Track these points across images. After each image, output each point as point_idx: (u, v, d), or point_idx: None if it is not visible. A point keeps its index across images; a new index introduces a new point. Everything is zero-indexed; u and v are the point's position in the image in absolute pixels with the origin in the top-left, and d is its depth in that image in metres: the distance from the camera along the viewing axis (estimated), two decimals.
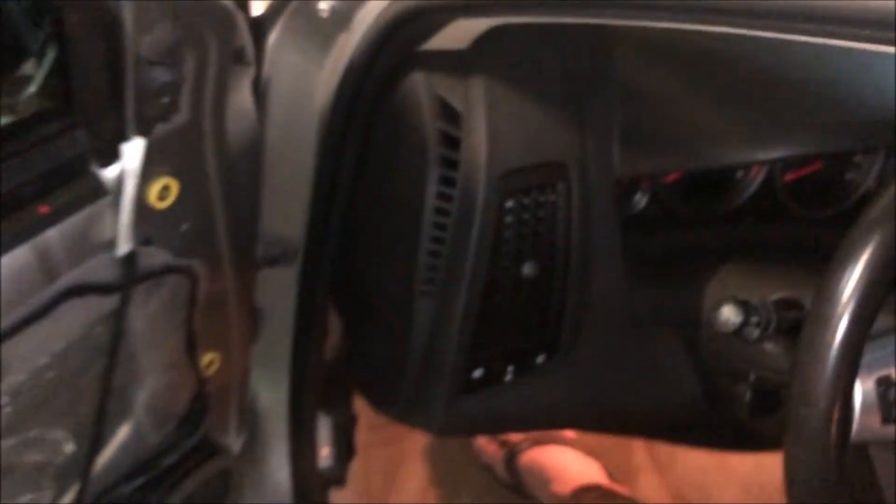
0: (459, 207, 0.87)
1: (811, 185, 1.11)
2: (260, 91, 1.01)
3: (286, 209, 1.13)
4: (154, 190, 0.81)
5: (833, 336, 0.64)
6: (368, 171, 0.98)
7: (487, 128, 0.84)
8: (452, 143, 0.86)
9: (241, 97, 0.91)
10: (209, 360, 1.06)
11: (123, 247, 0.77)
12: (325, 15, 0.93)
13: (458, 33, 0.86)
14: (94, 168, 0.74)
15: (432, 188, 0.87)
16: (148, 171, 0.79)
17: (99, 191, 0.74)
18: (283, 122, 1.04)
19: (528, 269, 0.90)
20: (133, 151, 0.73)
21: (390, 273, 0.99)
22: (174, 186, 0.83)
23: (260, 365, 1.30)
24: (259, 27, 0.98)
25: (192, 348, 0.99)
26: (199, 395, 1.04)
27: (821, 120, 0.96)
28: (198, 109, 0.81)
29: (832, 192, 1.12)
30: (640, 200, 1.03)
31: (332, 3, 0.92)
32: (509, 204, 0.86)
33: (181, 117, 0.80)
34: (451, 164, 0.86)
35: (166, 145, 0.80)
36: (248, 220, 1.02)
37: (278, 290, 1.22)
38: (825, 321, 0.65)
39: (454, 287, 0.89)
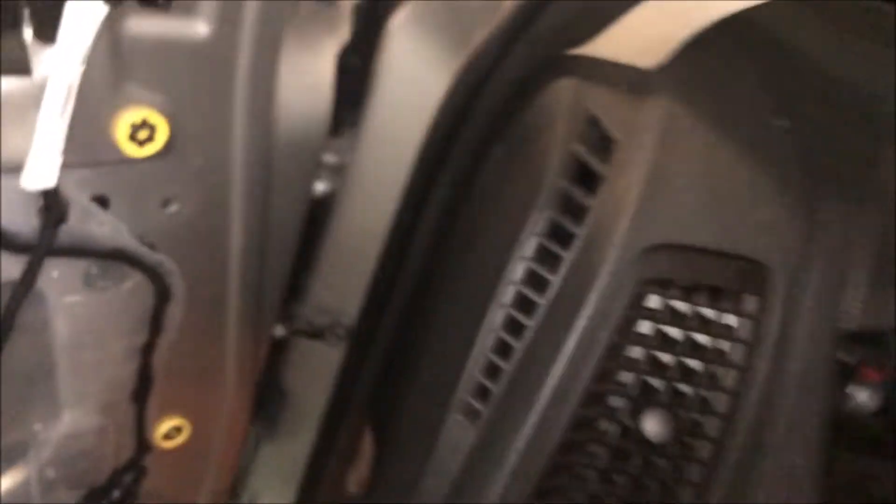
0: (567, 282, 0.52)
1: None
2: (364, 86, 0.74)
3: (348, 267, 0.83)
4: (124, 120, 0.53)
5: None
6: (458, 226, 0.67)
7: (651, 170, 0.50)
8: (588, 181, 0.53)
9: (316, 62, 0.64)
10: (171, 426, 0.75)
11: (33, 179, 0.49)
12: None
13: (647, 38, 0.55)
14: (25, 32, 0.47)
15: (532, 241, 0.54)
16: (119, 85, 0.52)
17: (17, 64, 0.47)
18: (381, 138, 0.76)
19: (652, 425, 0.53)
20: (83, 20, 0.46)
21: (435, 373, 0.65)
22: (161, 129, 0.55)
23: (262, 466, 0.98)
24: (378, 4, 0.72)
25: (142, 396, 0.69)
26: (133, 465, 0.72)
27: None
28: (227, 29, 0.54)
29: None
30: (861, 398, 0.64)
31: None
32: (652, 302, 0.51)
33: (195, 27, 0.53)
34: (576, 211, 0.53)
35: (158, 56, 0.53)
36: (281, 250, 0.72)
37: (311, 373, 0.91)
38: None
39: (517, 413, 0.53)
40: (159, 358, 0.67)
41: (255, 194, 0.65)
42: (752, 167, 0.52)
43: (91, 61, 0.48)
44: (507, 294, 0.55)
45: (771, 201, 0.52)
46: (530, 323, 0.54)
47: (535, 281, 0.54)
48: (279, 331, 0.84)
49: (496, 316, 0.56)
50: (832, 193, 0.54)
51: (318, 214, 0.82)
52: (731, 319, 0.52)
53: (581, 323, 0.50)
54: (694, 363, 0.52)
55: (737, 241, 0.51)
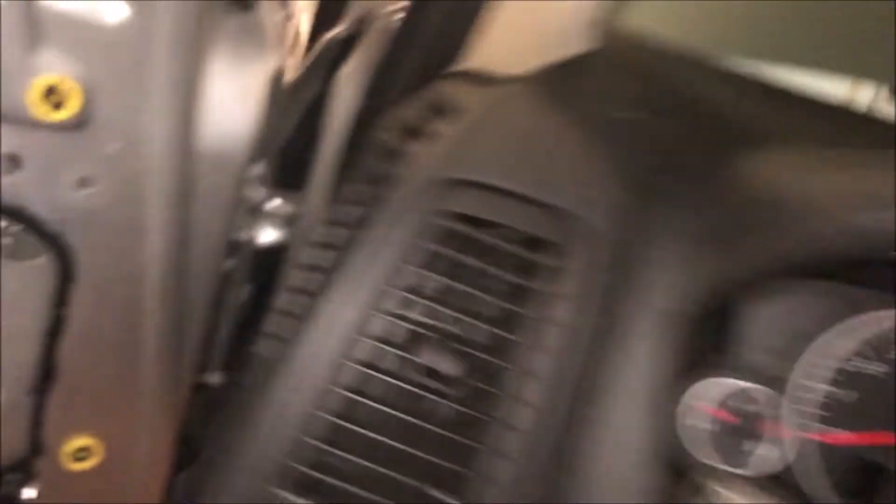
0: (371, 216, 0.50)
1: None
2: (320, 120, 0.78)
3: None
4: (38, 79, 0.59)
5: None
6: None
7: (473, 121, 0.49)
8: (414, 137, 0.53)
9: (247, 80, 0.69)
10: (81, 445, 0.74)
11: None
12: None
13: (513, 48, 0.57)
14: None
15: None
16: (34, 43, 0.58)
17: None
18: (324, 182, 0.79)
19: (439, 362, 0.46)
20: None
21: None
22: (75, 95, 0.60)
23: None
24: (334, 52, 0.78)
25: (42, 390, 0.69)
26: (21, 467, 0.71)
27: None
28: (143, 16, 0.61)
29: None
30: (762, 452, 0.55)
31: None
32: (454, 240, 0.48)
33: (111, 7, 0.60)
34: (395, 159, 0.52)
35: (73, 26, 0.59)
36: (206, 270, 0.74)
37: None
38: None
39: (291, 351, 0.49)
40: (67, 354, 0.68)
41: (174, 198, 0.68)
42: (582, 136, 0.51)
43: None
44: (315, 232, 0.55)
45: (598, 164, 0.50)
46: (327, 261, 0.53)
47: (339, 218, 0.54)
48: (216, 378, 0.83)
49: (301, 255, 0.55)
50: (675, 174, 0.51)
51: (271, 264, 0.84)
52: (529, 260, 0.49)
53: (367, 249, 0.49)
54: (494, 309, 0.48)
55: (550, 191, 0.49)
